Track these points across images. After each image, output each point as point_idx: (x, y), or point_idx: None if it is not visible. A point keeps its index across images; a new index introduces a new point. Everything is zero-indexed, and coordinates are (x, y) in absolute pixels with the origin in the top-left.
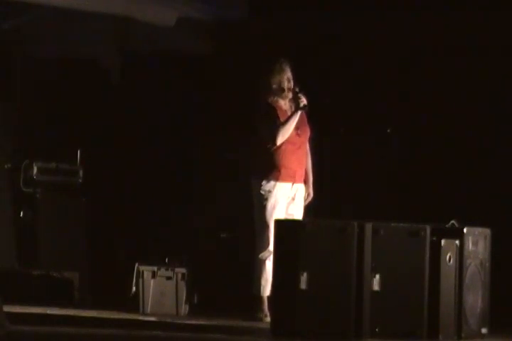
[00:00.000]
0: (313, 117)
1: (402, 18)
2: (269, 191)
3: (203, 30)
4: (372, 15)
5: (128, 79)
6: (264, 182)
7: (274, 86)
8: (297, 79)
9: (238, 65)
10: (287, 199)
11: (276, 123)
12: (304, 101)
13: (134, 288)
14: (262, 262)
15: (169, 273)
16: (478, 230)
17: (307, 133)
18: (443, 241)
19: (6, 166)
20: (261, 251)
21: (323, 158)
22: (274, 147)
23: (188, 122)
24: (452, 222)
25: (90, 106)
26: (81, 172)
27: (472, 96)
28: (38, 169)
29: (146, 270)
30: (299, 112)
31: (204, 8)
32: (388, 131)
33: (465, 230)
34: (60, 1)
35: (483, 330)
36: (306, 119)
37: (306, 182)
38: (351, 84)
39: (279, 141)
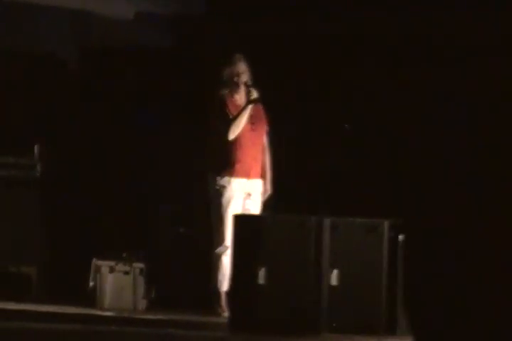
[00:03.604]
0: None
1: (372, 18)
2: (224, 186)
3: (160, 24)
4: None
5: (86, 74)
6: (218, 178)
7: (224, 78)
8: (252, 74)
9: (196, 60)
10: (243, 195)
11: (227, 118)
12: (254, 94)
13: (91, 283)
14: (218, 257)
15: (127, 268)
16: None
17: (263, 127)
18: (401, 236)
19: None
20: (217, 247)
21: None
22: (228, 142)
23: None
24: None
25: (48, 100)
26: (39, 167)
27: None
28: None
29: (104, 265)
30: (250, 106)
31: (161, 2)
32: (346, 126)
33: None
34: None
35: None
36: (262, 113)
37: (263, 177)
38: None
39: (231, 136)
